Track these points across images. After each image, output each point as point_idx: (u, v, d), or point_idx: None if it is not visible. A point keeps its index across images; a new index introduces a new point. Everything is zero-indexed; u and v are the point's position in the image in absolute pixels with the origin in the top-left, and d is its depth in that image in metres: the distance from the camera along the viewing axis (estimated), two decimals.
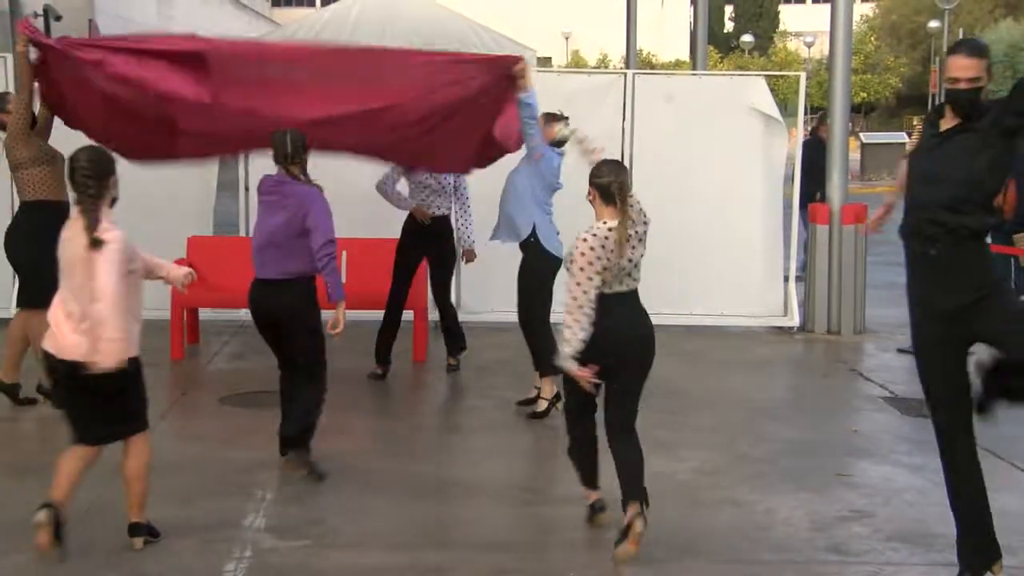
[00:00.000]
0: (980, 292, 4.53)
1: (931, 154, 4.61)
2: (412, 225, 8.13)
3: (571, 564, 5.01)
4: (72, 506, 5.53)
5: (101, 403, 4.86)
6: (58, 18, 21.41)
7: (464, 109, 7.16)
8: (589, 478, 5.36)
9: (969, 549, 4.78)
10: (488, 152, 7.81)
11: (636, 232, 5.04)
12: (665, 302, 10.07)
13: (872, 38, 56.63)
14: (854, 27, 11.79)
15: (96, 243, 4.73)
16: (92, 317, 4.72)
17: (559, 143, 7.18)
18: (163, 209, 9.50)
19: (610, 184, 5.01)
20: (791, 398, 8.40)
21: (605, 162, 5.23)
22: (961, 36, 45.68)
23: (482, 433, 7.02)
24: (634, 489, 5.00)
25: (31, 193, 7.03)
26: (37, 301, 7.05)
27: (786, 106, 18.14)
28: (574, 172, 6.61)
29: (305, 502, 5.68)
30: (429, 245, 8.16)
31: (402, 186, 8.28)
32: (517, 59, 7.20)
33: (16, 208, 7.41)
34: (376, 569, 4.93)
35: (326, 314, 6.03)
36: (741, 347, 9.79)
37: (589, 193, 5.11)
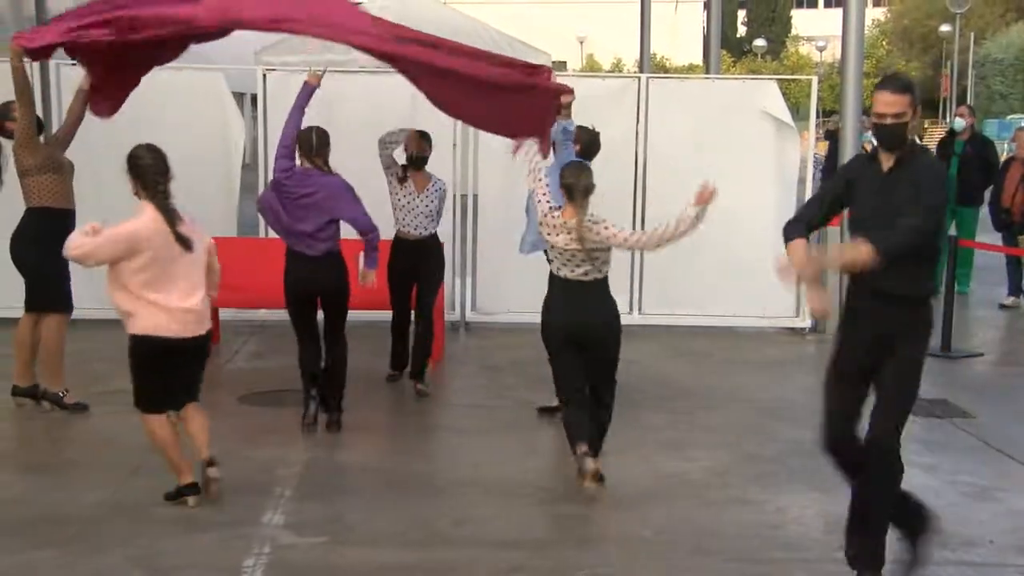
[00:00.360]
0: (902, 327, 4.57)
1: (873, 202, 4.56)
2: (399, 244, 8.07)
3: (582, 562, 5.05)
4: (85, 504, 5.63)
5: (183, 371, 5.51)
6: None
7: (501, 87, 6.97)
8: (577, 432, 5.71)
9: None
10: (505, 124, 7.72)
11: (569, 229, 5.73)
12: (677, 302, 10.16)
13: (884, 42, 56.63)
14: (866, 31, 11.79)
15: (187, 243, 5.35)
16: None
17: (590, 154, 7.26)
18: (188, 211, 9.53)
19: (572, 185, 5.78)
20: (802, 398, 8.40)
21: (570, 164, 6.08)
22: (972, 40, 45.67)
23: (496, 432, 7.08)
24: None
25: (36, 200, 7.07)
26: (41, 305, 7.16)
27: (798, 110, 18.13)
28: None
29: (323, 499, 5.76)
30: (416, 261, 7.98)
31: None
32: (547, 69, 7.27)
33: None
34: (391, 566, 5.00)
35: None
36: (752, 348, 9.83)
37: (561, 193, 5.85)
